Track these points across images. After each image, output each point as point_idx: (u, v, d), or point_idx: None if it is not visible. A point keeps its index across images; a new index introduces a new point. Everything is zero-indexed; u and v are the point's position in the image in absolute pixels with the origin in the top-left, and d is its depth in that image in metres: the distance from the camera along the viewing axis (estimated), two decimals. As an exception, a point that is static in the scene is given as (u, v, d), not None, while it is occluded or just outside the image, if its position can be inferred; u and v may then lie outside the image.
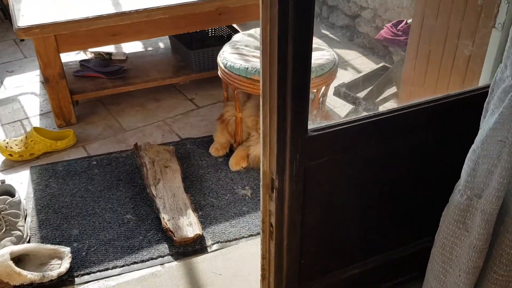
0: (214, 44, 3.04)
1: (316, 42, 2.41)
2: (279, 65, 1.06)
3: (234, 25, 3.11)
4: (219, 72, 2.31)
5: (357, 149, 1.24)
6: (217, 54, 2.90)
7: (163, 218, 1.96)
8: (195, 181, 2.25)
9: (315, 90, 2.19)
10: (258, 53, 2.32)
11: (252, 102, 2.36)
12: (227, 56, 2.24)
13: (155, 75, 2.87)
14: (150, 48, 3.24)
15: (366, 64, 3.21)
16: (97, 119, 2.74)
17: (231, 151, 2.44)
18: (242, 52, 2.29)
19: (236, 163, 2.32)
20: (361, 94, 2.64)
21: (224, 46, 2.38)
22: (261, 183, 1.25)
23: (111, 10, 2.46)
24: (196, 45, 2.98)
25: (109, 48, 3.13)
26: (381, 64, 2.89)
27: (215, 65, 2.91)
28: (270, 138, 1.13)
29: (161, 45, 3.28)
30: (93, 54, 3.05)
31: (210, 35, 3.25)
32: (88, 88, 2.71)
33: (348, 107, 2.69)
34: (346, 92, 2.70)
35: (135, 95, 2.93)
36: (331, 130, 1.17)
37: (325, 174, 1.23)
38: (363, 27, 3.53)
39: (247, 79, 2.13)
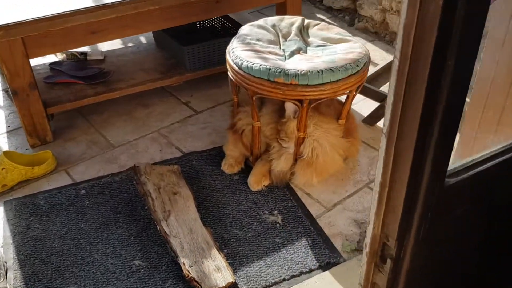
0: (207, 37, 2.63)
1: (337, 31, 2.05)
2: (429, 85, 0.69)
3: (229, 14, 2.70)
4: (229, 74, 1.92)
5: (496, 195, 0.90)
6: (212, 50, 2.50)
7: (184, 263, 1.57)
8: (211, 208, 1.86)
9: (347, 93, 1.83)
10: (273, 48, 1.94)
11: (269, 108, 1.98)
12: (240, 54, 1.85)
13: (143, 76, 2.44)
14: (130, 44, 2.79)
15: (373, 52, 2.87)
16: (77, 134, 2.30)
17: (247, 165, 2.06)
18: (256, 49, 1.90)
19: (257, 182, 1.94)
20: (386, 89, 2.31)
21: (232, 41, 1.98)
22: (365, 250, 0.89)
23: (89, 2, 2.01)
24: (188, 39, 2.56)
25: (83, 47, 2.66)
26: (400, 52, 2.56)
27: (211, 62, 2.51)
28: (393, 192, 0.77)
29: (143, 39, 2.83)
30: (64, 55, 2.58)
31: (198, 27, 2.82)
32: (65, 98, 2.25)
33: (368, 103, 2.35)
34: (367, 86, 2.35)
35: (119, 101, 2.49)
36: (472, 172, 0.82)
37: (452, 234, 0.88)
38: (366, 9, 3.18)
39: (270, 82, 1.75)
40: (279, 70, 1.73)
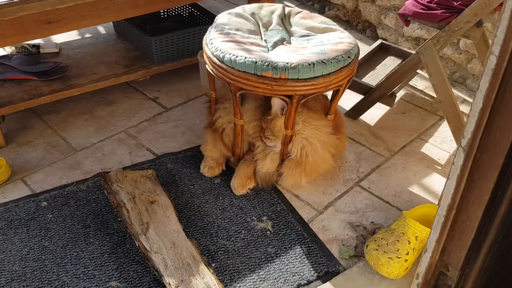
0: (173, 27, 2.42)
1: (322, 20, 1.90)
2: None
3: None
4: (208, 67, 1.74)
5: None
6: (181, 40, 2.30)
7: (169, 283, 1.39)
8: (194, 217, 1.68)
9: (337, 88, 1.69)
10: (254, 39, 1.77)
11: (251, 104, 1.82)
12: (220, 46, 1.67)
13: (105, 71, 2.20)
14: (88, 35, 2.53)
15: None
16: (33, 137, 2.04)
17: (228, 167, 1.89)
18: (237, 39, 1.73)
19: (241, 185, 1.78)
20: (368, 80, 2.19)
21: (209, 32, 1.79)
22: (417, 281, 0.75)
23: (43, -13, 1.76)
24: (153, 29, 2.34)
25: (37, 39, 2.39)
26: (379, 42, 2.45)
27: (180, 54, 2.31)
28: (463, 215, 0.64)
29: (101, 29, 2.58)
30: (14, 48, 2.29)
31: (163, 15, 2.61)
32: (17, 97, 1.99)
33: (349, 95, 2.23)
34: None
35: (79, 98, 2.25)
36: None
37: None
38: (337, -3, 3.06)
39: (256, 76, 1.58)
40: (266, 63, 1.57)
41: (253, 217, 1.68)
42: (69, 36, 2.47)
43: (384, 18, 2.78)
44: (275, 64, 1.57)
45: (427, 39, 2.58)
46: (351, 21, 3.06)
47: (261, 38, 1.80)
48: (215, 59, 1.67)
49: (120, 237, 1.59)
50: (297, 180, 1.77)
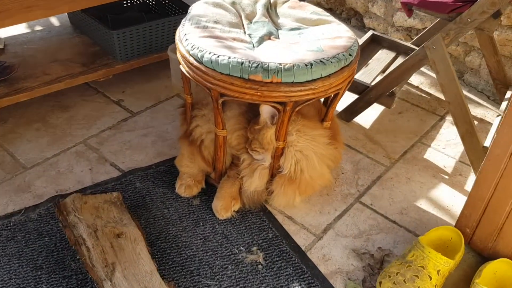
0: (139, 18, 2.10)
1: (313, 10, 1.64)
2: None
3: (165, -12, 2.19)
4: (183, 69, 1.45)
5: None
6: (148, 34, 1.98)
7: None
8: (169, 250, 1.40)
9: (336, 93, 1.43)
10: (236, 33, 1.49)
11: (234, 110, 1.54)
12: (197, 43, 1.38)
13: (58, 71, 1.88)
14: (38, 28, 2.19)
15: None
16: (-28, 152, 1.71)
17: (208, 185, 1.61)
18: (216, 34, 1.44)
19: (225, 208, 1.51)
20: (362, 78, 1.95)
21: (183, 25, 1.50)
22: None
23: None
24: (115, 21, 2.02)
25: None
26: (370, 34, 2.20)
27: (147, 49, 2.00)
28: None
29: (55, 21, 2.24)
30: None
31: (126, 4, 2.28)
32: (-50, 105, 1.65)
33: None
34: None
35: (28, 104, 1.92)
36: None
37: None
38: (319, -18, 2.79)
39: (243, 81, 1.30)
40: (255, 64, 1.29)
41: (241, 247, 1.42)
42: (16, 29, 2.12)
43: (371, 6, 2.53)
44: (266, 66, 1.29)
45: (420, 30, 2.37)
46: (334, 9, 2.80)
47: (244, 33, 1.52)
48: (191, 59, 1.39)
49: (80, 280, 1.30)
50: (290, 199, 1.52)
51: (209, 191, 1.59)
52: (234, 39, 1.45)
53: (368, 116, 1.99)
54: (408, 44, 2.12)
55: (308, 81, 1.33)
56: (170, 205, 1.53)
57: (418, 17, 2.34)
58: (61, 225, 1.38)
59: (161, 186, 1.60)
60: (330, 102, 1.52)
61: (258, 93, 1.32)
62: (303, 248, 1.44)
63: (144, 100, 2.01)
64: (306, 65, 1.31)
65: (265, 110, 1.42)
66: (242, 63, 1.30)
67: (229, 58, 1.32)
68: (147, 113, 1.95)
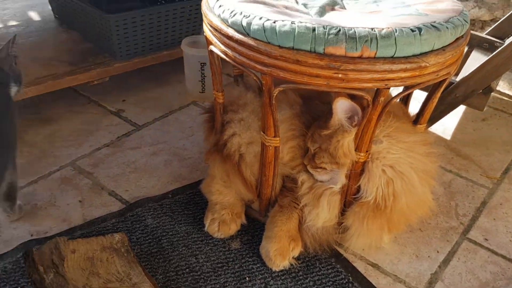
0: (141, 6, 1.65)
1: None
2: None
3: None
4: (215, 48, 0.98)
5: None
6: (156, 23, 1.52)
7: None
8: (204, 322, 0.91)
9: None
10: (287, 1, 1.04)
11: (284, 113, 1.07)
12: (240, 8, 0.92)
13: (38, 71, 1.41)
14: (13, 23, 1.73)
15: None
16: None
17: (250, 219, 1.13)
18: (262, 0, 0.99)
19: (281, 253, 1.02)
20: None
21: (207, -8, 1.05)
22: None
23: None
24: (114, 8, 1.57)
25: None
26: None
27: (155, 44, 1.55)
28: None
29: (34, 15, 1.79)
30: None
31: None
32: None
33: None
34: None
35: None
36: None
37: None
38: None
39: (316, 56, 0.84)
40: (334, 30, 0.83)
41: (313, 316, 0.93)
42: (-15, 24, 1.67)
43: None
44: (351, 32, 0.83)
45: (488, 21, 1.96)
46: None
47: (296, 2, 1.06)
48: (230, 31, 0.92)
49: None
50: (375, 238, 1.04)
51: (252, 228, 1.11)
52: (286, 7, 1.00)
53: (446, 124, 1.53)
54: (483, 35, 1.69)
55: (415, 55, 0.86)
56: (198, 250, 1.04)
57: (485, 7, 1.91)
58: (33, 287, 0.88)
59: (183, 222, 1.11)
60: (430, 93, 1.05)
61: (340, 75, 0.85)
62: (404, 313, 0.95)
63: (151, 110, 1.55)
64: (412, 30, 0.85)
65: (342, 106, 0.95)
66: (314, 29, 0.84)
67: (292, 23, 0.86)
68: (156, 126, 1.48)
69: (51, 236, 1.06)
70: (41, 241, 1.04)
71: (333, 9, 1.05)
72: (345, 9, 1.06)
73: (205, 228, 1.09)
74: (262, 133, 1.02)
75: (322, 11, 1.02)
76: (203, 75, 1.56)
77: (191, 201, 1.18)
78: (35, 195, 1.20)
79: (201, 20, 1.62)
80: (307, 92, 1.11)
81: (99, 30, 1.48)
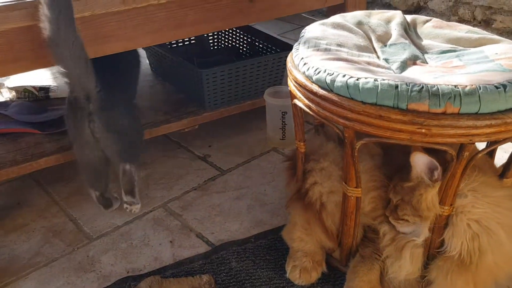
0: (229, 61, 1.77)
1: (468, 29, 1.20)
2: None
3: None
4: (299, 103, 1.05)
5: None
6: (242, 75, 1.63)
7: None
8: None
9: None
10: (369, 57, 1.09)
11: (365, 163, 1.09)
12: (324, 65, 0.98)
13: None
14: (116, 76, 1.92)
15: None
16: (29, 218, 1.38)
17: (330, 268, 1.15)
18: (345, 57, 1.04)
19: (363, 306, 1.03)
20: None
21: (295, 49, 1.12)
22: None
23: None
24: (203, 63, 1.70)
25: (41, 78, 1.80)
26: None
27: (240, 96, 1.65)
28: None
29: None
30: (14, 93, 1.69)
31: (212, 47, 1.99)
32: (9, 158, 1.34)
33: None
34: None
35: (100, 159, 1.59)
36: None
37: None
38: None
39: (399, 112, 0.87)
40: (417, 88, 0.87)
41: None
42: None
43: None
44: (434, 89, 0.86)
45: None
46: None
47: (378, 57, 1.11)
48: (315, 87, 0.98)
49: None
50: (460, 293, 1.01)
51: (332, 277, 1.12)
52: (368, 63, 1.04)
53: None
54: None
55: (500, 112, 0.87)
56: (279, 296, 1.08)
57: None
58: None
59: (265, 267, 1.16)
60: (517, 148, 1.04)
61: (423, 131, 0.87)
62: None
63: (234, 156, 1.63)
64: (497, 87, 0.86)
65: (420, 161, 0.96)
66: (397, 86, 0.88)
67: (375, 80, 0.90)
68: (239, 171, 1.56)
69: (145, 274, 1.15)
70: (136, 278, 1.13)
71: (414, 63, 1.08)
72: (427, 63, 1.09)
73: (287, 275, 1.13)
74: (344, 183, 1.05)
75: (404, 66, 1.06)
76: (283, 123, 1.63)
77: (272, 246, 1.22)
78: (131, 235, 1.30)
79: (282, 71, 1.71)
80: (388, 143, 1.14)
81: (191, 83, 1.61)
